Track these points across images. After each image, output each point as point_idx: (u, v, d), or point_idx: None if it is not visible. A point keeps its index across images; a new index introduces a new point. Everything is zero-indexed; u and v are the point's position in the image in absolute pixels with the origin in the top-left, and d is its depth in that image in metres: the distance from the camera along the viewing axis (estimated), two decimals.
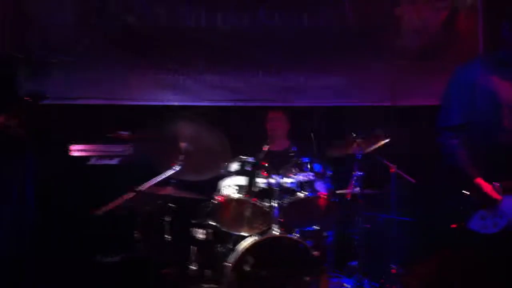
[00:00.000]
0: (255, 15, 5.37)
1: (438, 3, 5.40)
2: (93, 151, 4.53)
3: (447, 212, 3.16)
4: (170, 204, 4.09)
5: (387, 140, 4.27)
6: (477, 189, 2.87)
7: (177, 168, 3.97)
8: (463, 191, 2.94)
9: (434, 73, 5.28)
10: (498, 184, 2.84)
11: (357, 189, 4.18)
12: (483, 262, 2.85)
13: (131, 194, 3.75)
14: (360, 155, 4.27)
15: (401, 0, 5.41)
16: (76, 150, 4.51)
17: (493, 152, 2.89)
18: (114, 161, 4.45)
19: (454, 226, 3.02)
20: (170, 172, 3.93)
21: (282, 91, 5.48)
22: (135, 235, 3.79)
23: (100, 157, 4.52)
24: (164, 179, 3.93)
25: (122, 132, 4.28)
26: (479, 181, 2.86)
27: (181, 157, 4.04)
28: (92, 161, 4.51)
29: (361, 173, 4.21)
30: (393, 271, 4.63)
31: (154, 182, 3.86)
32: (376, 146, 4.35)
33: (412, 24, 5.40)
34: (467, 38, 5.34)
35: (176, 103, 5.32)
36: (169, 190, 3.99)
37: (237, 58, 5.40)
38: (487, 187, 2.84)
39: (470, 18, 5.37)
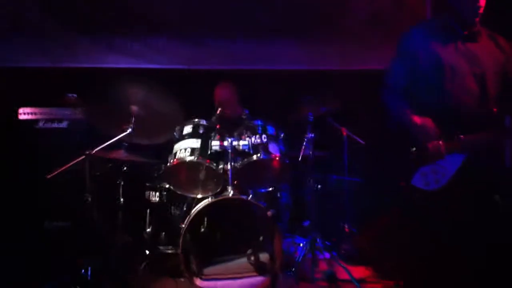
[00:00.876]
0: None
1: None
2: (41, 114, 4.39)
3: (395, 171, 3.25)
4: (122, 168, 4.05)
5: (337, 103, 4.32)
6: (420, 132, 2.96)
7: (128, 131, 3.93)
8: (410, 148, 3.02)
9: (383, 38, 5.37)
10: (441, 143, 2.93)
11: (309, 151, 4.25)
12: (425, 217, 2.97)
13: (81, 158, 3.69)
14: (312, 118, 4.32)
15: None
16: (24, 114, 4.36)
17: (436, 113, 2.97)
18: (63, 125, 4.33)
19: (402, 184, 3.12)
20: (121, 135, 3.88)
21: (233, 56, 5.45)
22: (86, 199, 3.71)
23: (49, 121, 4.39)
24: (115, 142, 3.89)
25: (71, 95, 4.18)
26: (424, 121, 2.95)
27: (132, 120, 3.99)
28: (40, 125, 4.38)
29: (313, 135, 4.27)
30: (346, 230, 4.78)
31: (105, 146, 3.81)
32: (327, 109, 4.41)
33: None
34: (414, 4, 5.42)
35: (124, 66, 5.23)
36: (120, 154, 3.95)
37: (186, 23, 5.33)
38: (431, 145, 2.93)
39: None
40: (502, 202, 3.61)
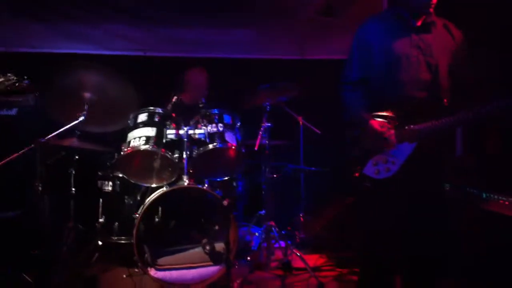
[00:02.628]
0: None
1: None
2: None
3: (350, 161, 3.28)
4: (75, 156, 3.97)
5: (295, 92, 4.33)
6: (370, 132, 2.96)
7: (81, 118, 3.84)
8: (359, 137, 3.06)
9: (339, 29, 5.41)
10: (392, 132, 2.94)
11: (265, 140, 4.25)
12: (375, 206, 3.01)
13: (32, 146, 3.59)
14: (268, 107, 4.32)
15: None
16: None
17: (390, 103, 2.99)
18: (12, 112, 4.18)
19: (356, 174, 3.15)
20: (74, 123, 3.79)
21: (191, 43, 5.39)
22: (37, 188, 3.62)
23: None
24: (67, 130, 3.80)
25: (22, 81, 4.05)
26: (372, 122, 2.96)
27: (85, 107, 3.90)
28: None
29: (270, 125, 4.27)
30: (301, 218, 4.82)
31: (57, 133, 3.72)
32: (284, 98, 4.42)
33: None
34: None
35: (79, 51, 5.11)
36: (73, 142, 3.86)
37: (143, 9, 5.22)
38: (379, 130, 2.93)
39: None
40: (450, 191, 3.73)
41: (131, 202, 4.00)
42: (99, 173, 4.11)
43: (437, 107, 2.91)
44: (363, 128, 3.01)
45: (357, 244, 3.61)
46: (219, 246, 3.66)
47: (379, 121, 2.97)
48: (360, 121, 3.04)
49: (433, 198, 2.93)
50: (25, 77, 3.82)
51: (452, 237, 3.09)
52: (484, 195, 3.56)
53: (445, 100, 2.93)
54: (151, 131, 3.78)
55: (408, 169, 2.88)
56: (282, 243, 4.19)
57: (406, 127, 2.92)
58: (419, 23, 3.02)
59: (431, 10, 2.97)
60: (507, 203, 3.34)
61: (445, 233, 2.97)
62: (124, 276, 3.77)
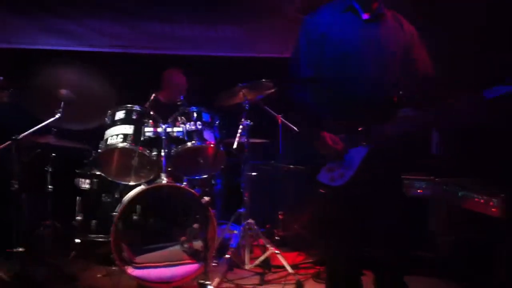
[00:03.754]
0: None
1: None
2: None
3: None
4: (51, 153, 3.93)
5: (273, 90, 4.33)
6: (322, 142, 2.75)
7: (57, 115, 3.80)
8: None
9: None
10: (343, 136, 2.77)
11: (244, 138, 4.24)
12: (333, 211, 2.84)
13: (7, 143, 3.55)
14: (247, 105, 4.31)
15: None
16: None
17: (343, 103, 2.80)
18: None
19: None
20: (50, 120, 3.75)
21: (171, 41, 5.37)
22: (13, 186, 3.57)
23: None
24: (44, 127, 3.76)
25: None
26: (323, 135, 2.75)
27: (62, 104, 3.86)
28: None
29: (249, 123, 4.27)
30: (280, 216, 4.83)
31: (33, 130, 3.67)
32: (263, 96, 4.42)
33: None
34: None
35: (57, 48, 5.04)
36: (50, 139, 3.83)
37: (125, 4, 5.19)
38: (330, 140, 2.74)
39: None
40: (426, 189, 3.74)
41: (109, 200, 3.97)
42: (77, 171, 4.07)
43: (387, 105, 2.76)
44: (314, 139, 2.80)
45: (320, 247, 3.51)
46: (198, 244, 3.65)
47: (330, 135, 2.75)
48: (310, 132, 2.85)
49: (392, 198, 2.80)
50: None
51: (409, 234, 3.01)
52: (459, 194, 3.61)
53: (394, 98, 2.77)
54: (128, 129, 3.77)
55: (363, 173, 2.70)
56: (261, 241, 4.20)
57: (358, 130, 2.75)
58: (367, 15, 2.82)
59: (376, 4, 2.79)
60: (482, 201, 3.39)
61: (405, 232, 2.89)
62: (100, 275, 3.75)
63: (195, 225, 3.74)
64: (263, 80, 4.20)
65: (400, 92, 2.78)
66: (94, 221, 3.95)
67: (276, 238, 4.68)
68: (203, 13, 5.37)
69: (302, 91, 2.90)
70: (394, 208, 2.79)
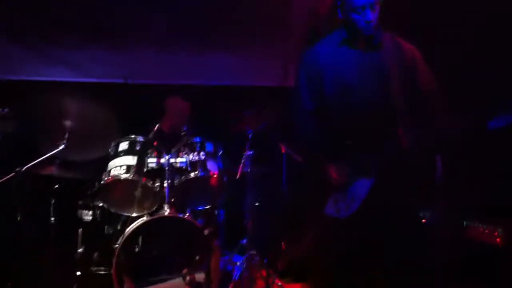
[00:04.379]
0: None
1: None
2: None
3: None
4: (54, 185, 3.92)
5: (276, 119, 4.34)
6: (326, 174, 2.81)
7: (62, 147, 3.81)
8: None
9: None
10: (348, 168, 2.79)
11: (248, 167, 4.24)
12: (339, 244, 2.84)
13: (11, 175, 3.55)
14: (251, 134, 4.32)
15: None
16: None
17: (345, 134, 2.83)
18: None
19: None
20: (54, 151, 3.76)
21: (174, 69, 5.39)
22: (16, 218, 3.57)
23: None
24: (47, 158, 3.76)
25: (1, 110, 4.03)
26: (328, 168, 2.81)
27: (66, 135, 3.87)
28: None
29: (252, 152, 4.27)
30: (283, 247, 4.79)
31: (36, 162, 3.68)
32: (267, 125, 4.43)
33: (302, 5, 5.49)
34: None
35: (60, 79, 5.07)
36: (52, 170, 3.82)
37: (127, 34, 5.23)
38: (335, 172, 2.79)
39: None
40: (428, 217, 3.70)
41: (111, 231, 3.94)
42: (79, 202, 4.06)
43: (390, 134, 2.78)
44: (321, 171, 2.86)
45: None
46: (200, 276, 3.61)
47: (335, 167, 2.82)
48: (316, 164, 2.91)
49: (400, 229, 2.76)
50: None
51: (429, 265, 2.90)
52: (465, 223, 3.58)
53: (399, 130, 2.78)
54: (132, 160, 3.76)
55: (368, 204, 2.73)
56: (264, 272, 4.15)
57: (360, 162, 2.77)
58: (363, 45, 2.86)
59: (373, 33, 2.80)
60: (487, 231, 3.37)
61: (423, 262, 2.81)
62: None
63: (198, 257, 3.72)
64: (265, 108, 4.22)
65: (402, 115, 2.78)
66: (96, 253, 3.92)
67: (279, 268, 4.63)
68: (201, 43, 5.39)
69: (305, 123, 2.95)
70: (409, 239, 2.74)
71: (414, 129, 2.76)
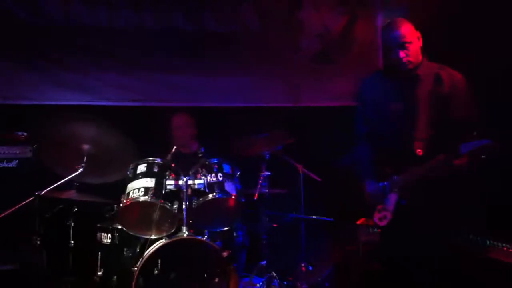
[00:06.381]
0: (158, 15, 5.27)
1: (339, 9, 5.53)
2: None
3: (350, 210, 3.36)
4: (73, 208, 3.94)
5: (292, 140, 4.35)
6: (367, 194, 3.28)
7: (80, 170, 3.83)
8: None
9: (333, 76, 5.49)
10: (385, 183, 3.21)
11: (265, 188, 4.23)
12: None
13: (30, 199, 3.57)
14: (268, 155, 4.31)
15: (303, 3, 5.49)
16: None
17: (381, 155, 3.27)
18: (12, 164, 4.17)
19: (359, 222, 3.24)
20: (72, 175, 3.78)
21: (187, 91, 5.42)
22: (35, 242, 3.58)
23: None
24: (66, 182, 3.78)
25: (19, 133, 4.08)
26: (369, 187, 3.28)
27: (84, 159, 3.90)
28: None
29: (269, 173, 4.26)
30: (303, 268, 4.73)
31: (55, 186, 3.70)
32: (283, 146, 4.43)
33: (313, 28, 5.52)
34: (365, 45, 5.50)
35: (76, 103, 5.12)
36: (71, 194, 3.84)
37: (140, 57, 5.29)
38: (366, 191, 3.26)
39: (369, 26, 5.52)
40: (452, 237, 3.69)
41: (130, 254, 3.93)
42: (98, 225, 4.06)
43: (410, 158, 3.10)
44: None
45: None
46: None
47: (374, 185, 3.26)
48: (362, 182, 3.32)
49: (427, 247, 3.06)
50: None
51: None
52: (487, 243, 3.53)
53: (418, 151, 3.11)
54: (150, 182, 3.76)
55: (397, 217, 3.10)
56: None
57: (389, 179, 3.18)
58: (400, 78, 3.25)
59: (410, 66, 3.18)
60: (510, 250, 3.32)
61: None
62: None
63: (217, 279, 3.69)
64: (280, 130, 4.23)
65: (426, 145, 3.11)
66: (115, 276, 3.91)
67: None
68: (213, 65, 5.43)
69: (362, 146, 3.40)
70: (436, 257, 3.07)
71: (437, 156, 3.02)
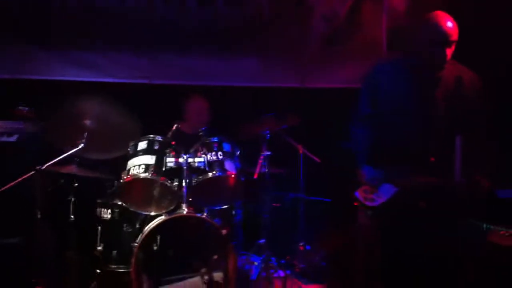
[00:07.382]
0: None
1: None
2: None
3: (349, 190, 3.36)
4: (74, 183, 3.96)
5: (295, 121, 4.35)
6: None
7: (81, 146, 3.85)
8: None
9: (340, 58, 5.48)
10: (382, 171, 3.17)
11: (265, 168, 4.25)
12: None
13: (31, 173, 3.59)
14: (268, 135, 4.33)
15: None
16: None
17: (384, 145, 3.22)
18: (12, 138, 4.18)
19: (356, 204, 3.25)
20: (73, 150, 3.80)
21: (192, 71, 5.42)
22: (36, 215, 3.61)
23: None
24: (67, 157, 3.81)
25: (22, 108, 4.09)
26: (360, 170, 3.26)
27: (85, 135, 3.91)
28: None
29: (269, 153, 4.28)
30: (301, 248, 4.78)
31: (56, 161, 3.72)
32: (285, 126, 4.44)
33: (322, 12, 5.50)
34: (370, 27, 5.50)
35: (83, 79, 5.14)
36: (72, 169, 3.86)
37: (147, 36, 5.29)
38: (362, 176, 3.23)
39: (374, 8, 5.51)
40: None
41: (130, 230, 3.96)
42: (99, 201, 4.09)
43: (423, 163, 3.06)
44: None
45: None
46: (218, 275, 3.62)
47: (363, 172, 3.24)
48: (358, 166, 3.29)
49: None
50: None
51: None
52: (484, 226, 3.54)
53: (431, 159, 3.07)
54: (150, 159, 3.77)
55: (387, 206, 3.11)
56: (282, 273, 4.15)
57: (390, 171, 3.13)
58: (429, 76, 3.09)
59: (446, 65, 3.03)
60: (507, 234, 3.33)
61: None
62: None
63: (215, 256, 3.73)
64: (285, 110, 4.24)
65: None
66: (115, 251, 3.94)
67: (297, 269, 4.63)
68: (222, 46, 5.42)
69: (362, 128, 3.31)
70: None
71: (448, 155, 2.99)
